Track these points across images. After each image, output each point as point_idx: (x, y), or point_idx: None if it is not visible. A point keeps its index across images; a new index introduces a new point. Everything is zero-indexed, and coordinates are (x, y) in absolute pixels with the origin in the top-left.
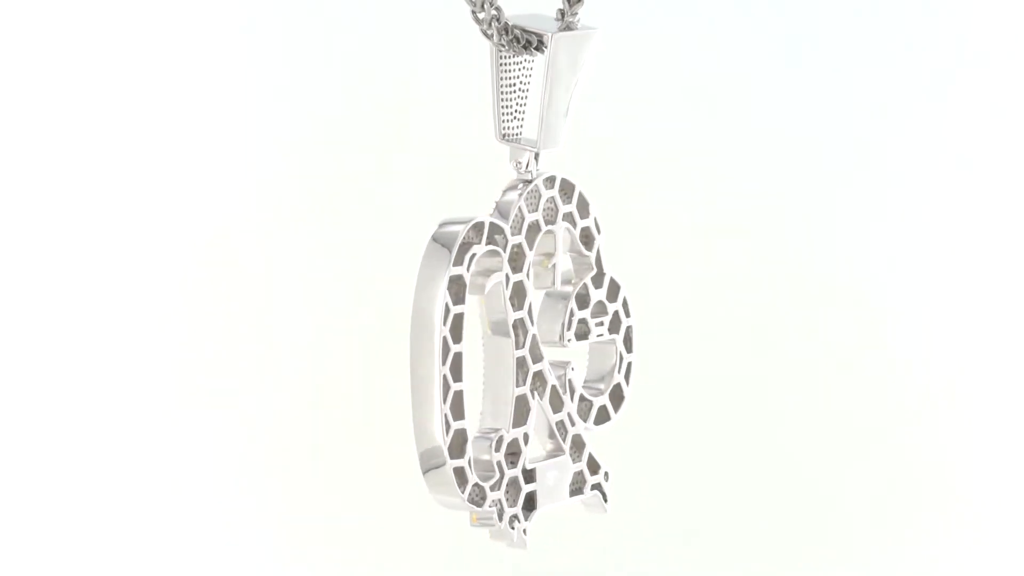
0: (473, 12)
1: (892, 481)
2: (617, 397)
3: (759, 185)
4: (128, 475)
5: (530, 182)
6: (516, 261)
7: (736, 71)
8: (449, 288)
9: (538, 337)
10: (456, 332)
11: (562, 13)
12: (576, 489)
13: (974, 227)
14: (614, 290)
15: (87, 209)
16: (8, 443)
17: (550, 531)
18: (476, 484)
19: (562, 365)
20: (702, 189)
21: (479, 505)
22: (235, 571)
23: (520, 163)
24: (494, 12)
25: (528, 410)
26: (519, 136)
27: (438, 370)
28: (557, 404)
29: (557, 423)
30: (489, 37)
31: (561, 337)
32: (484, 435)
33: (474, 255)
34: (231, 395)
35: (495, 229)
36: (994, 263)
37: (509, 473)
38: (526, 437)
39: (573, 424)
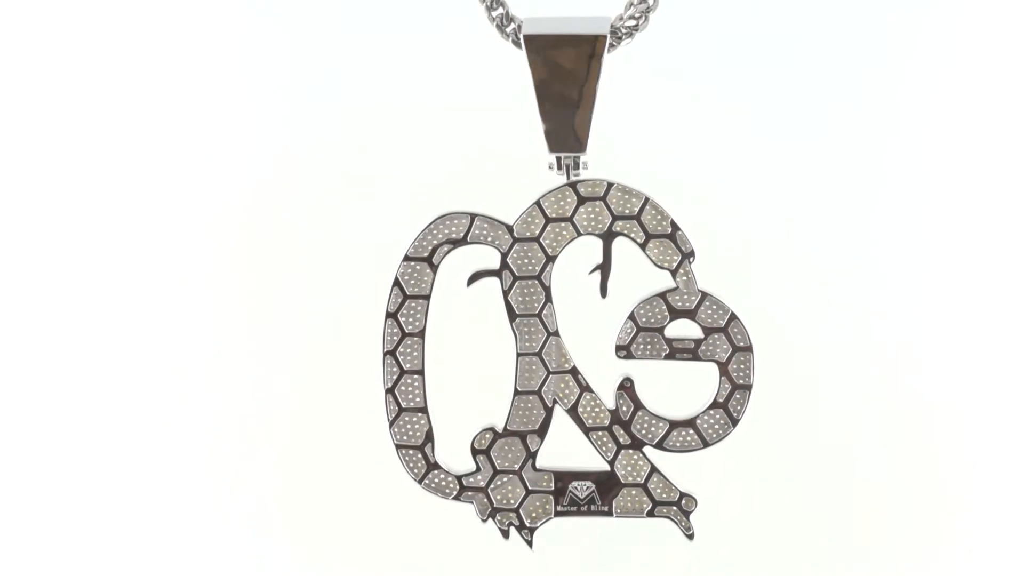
0: (487, 12)
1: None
2: (714, 427)
3: (758, 185)
4: (128, 474)
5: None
6: (523, 261)
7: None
8: (402, 275)
9: (563, 343)
10: (412, 318)
11: (620, 17)
12: (630, 508)
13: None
14: (714, 314)
15: (84, 211)
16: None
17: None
18: (438, 473)
19: (623, 379)
20: (700, 190)
21: (447, 494)
22: (241, 569)
23: (551, 165)
24: (502, 11)
25: (539, 412)
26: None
27: (383, 352)
28: (594, 416)
29: (594, 436)
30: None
31: (616, 350)
32: (482, 428)
33: (447, 247)
34: (233, 392)
35: (488, 226)
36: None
37: (500, 471)
38: (532, 439)
39: (624, 441)
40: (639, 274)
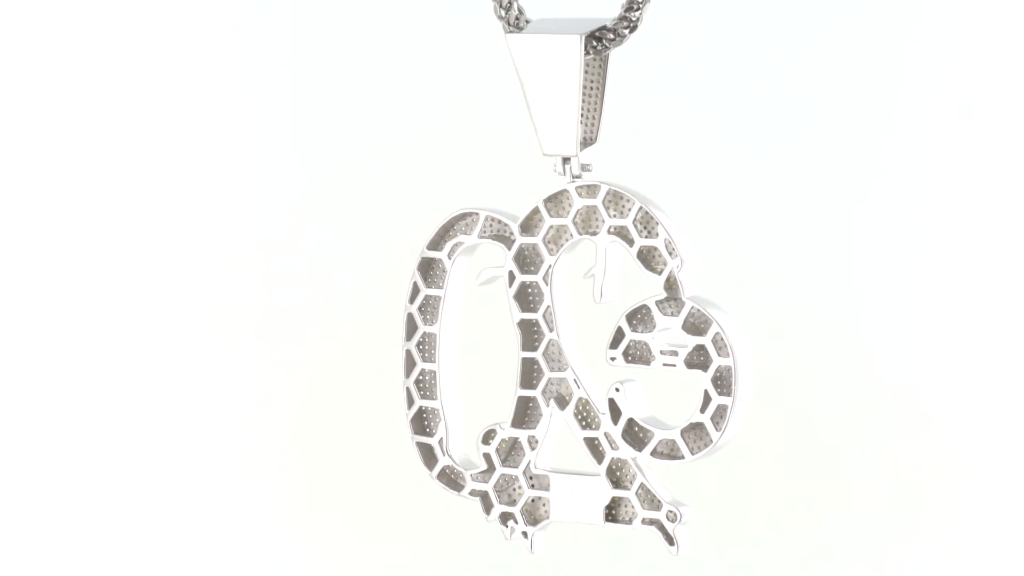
0: (505, 12)
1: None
2: (698, 439)
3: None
4: (135, 468)
5: (569, 187)
6: (527, 261)
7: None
8: (420, 269)
9: (563, 344)
10: (429, 313)
11: (614, 19)
12: (621, 517)
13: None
14: (699, 323)
15: (84, 212)
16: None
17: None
18: (450, 467)
19: (617, 384)
20: (699, 195)
21: (456, 489)
22: (249, 557)
23: (556, 165)
24: (514, 11)
25: (537, 414)
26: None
27: (403, 344)
28: (587, 421)
29: (588, 440)
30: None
31: (605, 357)
32: (487, 427)
33: (459, 244)
34: (249, 387)
35: (495, 224)
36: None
37: (503, 470)
38: (532, 440)
39: (615, 448)
40: (634, 279)
